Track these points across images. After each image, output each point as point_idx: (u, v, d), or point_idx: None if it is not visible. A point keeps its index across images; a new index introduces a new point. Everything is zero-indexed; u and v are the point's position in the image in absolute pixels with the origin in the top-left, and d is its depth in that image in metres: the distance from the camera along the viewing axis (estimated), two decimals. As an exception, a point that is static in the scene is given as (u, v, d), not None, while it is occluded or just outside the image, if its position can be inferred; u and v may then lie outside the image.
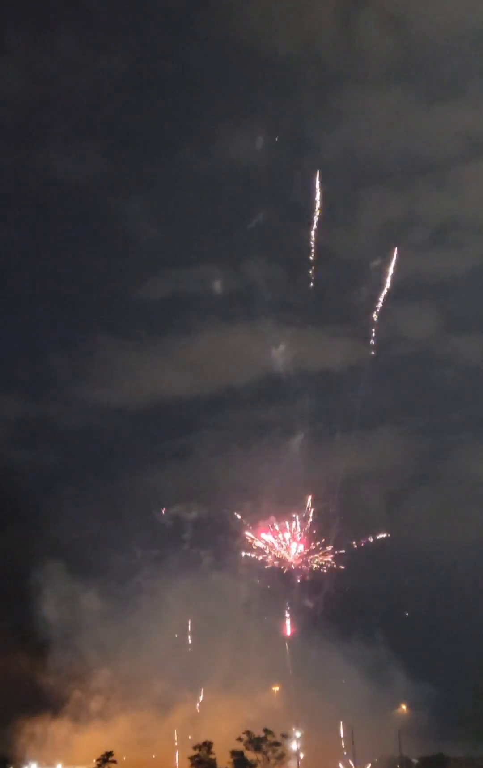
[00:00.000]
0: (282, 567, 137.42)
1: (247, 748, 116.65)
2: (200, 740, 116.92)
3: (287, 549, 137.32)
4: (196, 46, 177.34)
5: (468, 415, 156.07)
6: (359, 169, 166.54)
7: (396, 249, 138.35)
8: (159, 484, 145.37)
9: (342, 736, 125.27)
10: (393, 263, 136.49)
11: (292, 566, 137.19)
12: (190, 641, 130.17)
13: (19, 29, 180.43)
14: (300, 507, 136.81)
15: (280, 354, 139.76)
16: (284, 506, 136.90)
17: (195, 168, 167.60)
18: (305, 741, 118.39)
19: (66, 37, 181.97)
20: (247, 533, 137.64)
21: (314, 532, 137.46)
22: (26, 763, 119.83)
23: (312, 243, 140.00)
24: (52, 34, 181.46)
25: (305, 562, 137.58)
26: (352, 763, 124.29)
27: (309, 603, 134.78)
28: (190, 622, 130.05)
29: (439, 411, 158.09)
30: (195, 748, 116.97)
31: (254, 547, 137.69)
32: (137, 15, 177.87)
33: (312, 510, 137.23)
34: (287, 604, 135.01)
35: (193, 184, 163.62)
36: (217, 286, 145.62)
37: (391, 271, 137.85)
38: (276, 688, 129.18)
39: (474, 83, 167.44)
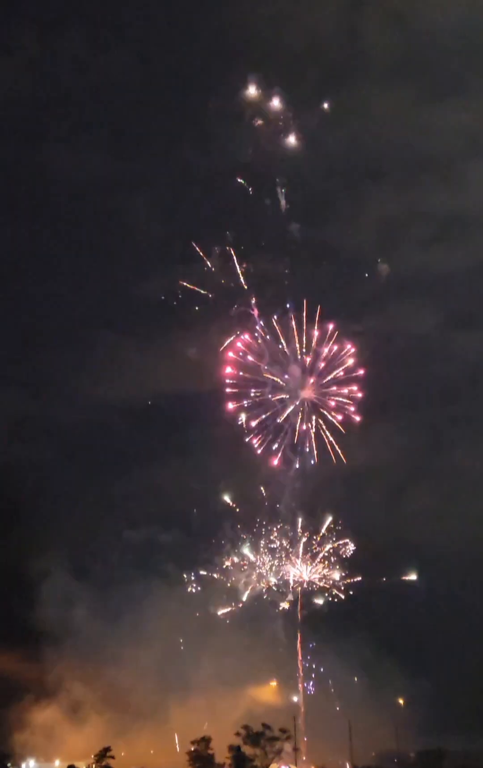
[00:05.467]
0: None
1: (245, 743, 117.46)
2: (198, 735, 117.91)
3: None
4: (200, 44, 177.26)
5: (468, 411, 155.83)
6: (362, 165, 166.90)
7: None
8: (158, 480, 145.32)
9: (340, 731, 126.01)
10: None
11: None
12: (189, 638, 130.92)
13: (24, 28, 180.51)
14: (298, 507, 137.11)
15: (281, 351, 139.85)
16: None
17: (197, 166, 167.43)
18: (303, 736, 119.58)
19: (70, 35, 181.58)
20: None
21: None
22: (24, 760, 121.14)
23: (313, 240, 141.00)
24: (56, 33, 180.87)
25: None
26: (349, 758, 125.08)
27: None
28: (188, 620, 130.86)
29: (439, 406, 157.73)
30: (193, 743, 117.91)
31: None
32: (141, 13, 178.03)
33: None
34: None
35: (195, 182, 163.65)
36: (218, 283, 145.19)
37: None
38: (273, 684, 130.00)
39: (477, 80, 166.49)
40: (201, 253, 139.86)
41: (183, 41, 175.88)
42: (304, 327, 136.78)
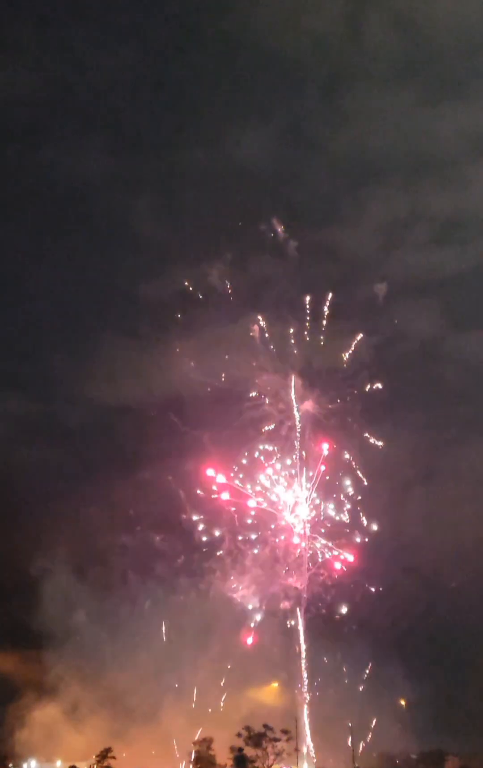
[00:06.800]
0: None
1: (246, 744, 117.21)
2: (200, 736, 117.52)
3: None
4: (204, 46, 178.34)
5: (471, 412, 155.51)
6: (365, 167, 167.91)
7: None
8: (159, 483, 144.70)
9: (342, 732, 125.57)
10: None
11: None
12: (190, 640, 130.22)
13: (27, 28, 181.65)
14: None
15: (284, 352, 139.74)
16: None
17: (201, 167, 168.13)
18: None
19: (74, 35, 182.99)
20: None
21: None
22: (25, 760, 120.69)
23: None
24: (60, 33, 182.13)
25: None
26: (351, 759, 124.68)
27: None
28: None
29: (442, 408, 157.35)
30: (195, 744, 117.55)
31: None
32: (145, 14, 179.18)
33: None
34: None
35: (199, 183, 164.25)
36: (223, 284, 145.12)
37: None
38: (275, 685, 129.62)
39: (479, 83, 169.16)
40: (201, 256, 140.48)
41: (184, 42, 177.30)
42: (305, 330, 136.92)
